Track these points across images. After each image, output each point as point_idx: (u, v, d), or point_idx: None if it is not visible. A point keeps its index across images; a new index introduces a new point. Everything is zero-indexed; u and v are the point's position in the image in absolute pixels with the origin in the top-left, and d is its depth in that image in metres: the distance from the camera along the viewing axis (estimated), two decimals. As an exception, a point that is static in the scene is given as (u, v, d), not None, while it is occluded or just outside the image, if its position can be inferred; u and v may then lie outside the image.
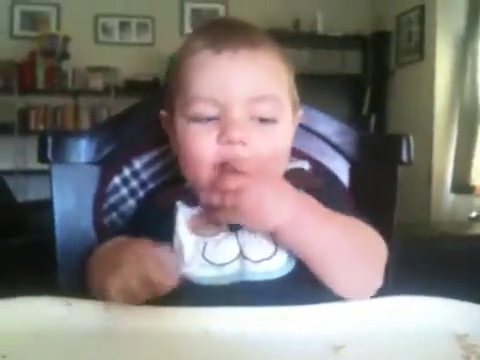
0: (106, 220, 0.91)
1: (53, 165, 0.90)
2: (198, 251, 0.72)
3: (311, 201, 0.68)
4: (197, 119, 0.72)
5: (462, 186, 4.12)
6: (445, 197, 4.25)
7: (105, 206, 0.91)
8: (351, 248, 0.68)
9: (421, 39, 4.52)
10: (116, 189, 0.91)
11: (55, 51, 4.98)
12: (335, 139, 0.93)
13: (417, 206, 3.96)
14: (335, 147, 0.93)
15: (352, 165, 0.95)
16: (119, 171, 0.91)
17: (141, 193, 0.91)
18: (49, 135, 0.90)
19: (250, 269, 0.70)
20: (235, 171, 0.68)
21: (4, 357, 0.55)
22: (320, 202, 0.73)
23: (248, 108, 0.71)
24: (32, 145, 4.31)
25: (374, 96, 5.06)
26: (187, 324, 0.62)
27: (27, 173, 4.83)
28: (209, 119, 0.72)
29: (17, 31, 5.13)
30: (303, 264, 0.69)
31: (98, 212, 0.91)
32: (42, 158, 0.90)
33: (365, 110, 5.13)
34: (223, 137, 0.70)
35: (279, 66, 0.75)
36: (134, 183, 0.91)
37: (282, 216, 0.64)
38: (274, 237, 0.68)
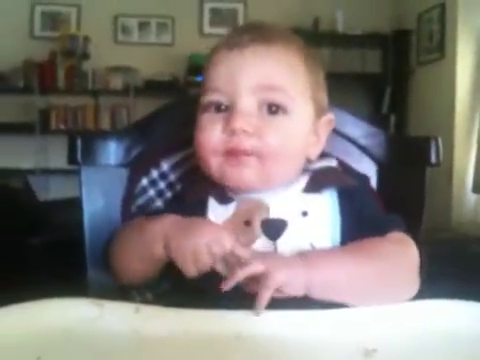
0: (134, 222, 0.91)
1: (82, 167, 0.91)
2: None
3: (315, 254, 0.69)
4: (208, 109, 0.76)
5: (484, 186, 4.08)
6: (466, 197, 4.21)
7: (133, 208, 0.91)
8: (375, 273, 0.69)
9: (442, 38, 4.47)
10: (144, 190, 0.91)
11: (75, 51, 5.02)
12: (363, 141, 0.93)
13: (438, 206, 3.92)
14: (362, 149, 0.93)
15: (380, 167, 0.94)
16: (147, 173, 0.91)
17: (168, 194, 0.91)
18: (78, 137, 0.91)
19: None
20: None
21: (39, 358, 0.56)
22: (355, 202, 0.75)
23: (255, 97, 0.73)
24: (53, 144, 4.35)
25: (394, 95, 5.02)
26: (218, 327, 0.62)
27: (48, 172, 4.89)
28: (219, 110, 0.75)
29: (37, 32, 5.18)
30: None
31: (126, 214, 0.91)
32: (72, 160, 0.90)
33: (385, 109, 5.09)
34: (227, 127, 0.73)
35: (293, 63, 0.77)
36: (162, 184, 0.91)
37: (300, 283, 0.65)
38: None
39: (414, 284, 0.72)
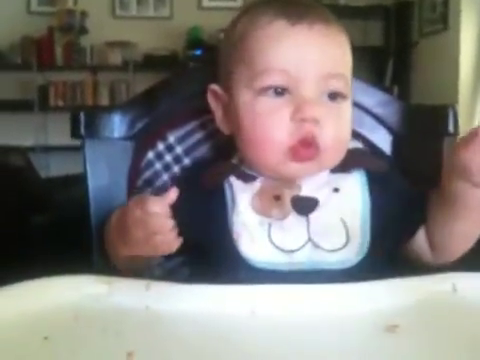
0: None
1: (86, 141, 0.88)
2: (264, 233, 0.70)
3: None
4: (267, 92, 0.69)
5: (487, 159, 4.06)
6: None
7: (139, 182, 0.89)
8: None
9: (445, 9, 4.42)
10: (150, 164, 0.89)
11: (73, 27, 4.97)
12: (377, 110, 0.89)
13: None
14: (377, 118, 0.90)
15: (395, 137, 0.91)
16: (153, 146, 0.88)
17: (175, 168, 0.88)
18: (82, 112, 0.88)
19: (324, 258, 0.69)
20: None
21: (46, 338, 0.53)
22: (387, 187, 0.74)
23: (319, 84, 0.69)
24: (53, 121, 4.33)
25: (397, 67, 4.98)
26: (232, 303, 0.60)
27: (48, 149, 4.87)
28: (279, 93, 0.69)
29: (34, 7, 5.12)
30: (374, 252, 0.69)
31: (132, 188, 0.89)
32: (75, 134, 0.88)
33: (387, 82, 5.05)
34: (297, 114, 0.67)
35: (347, 44, 0.74)
36: (168, 158, 0.89)
37: None
38: None
39: None
